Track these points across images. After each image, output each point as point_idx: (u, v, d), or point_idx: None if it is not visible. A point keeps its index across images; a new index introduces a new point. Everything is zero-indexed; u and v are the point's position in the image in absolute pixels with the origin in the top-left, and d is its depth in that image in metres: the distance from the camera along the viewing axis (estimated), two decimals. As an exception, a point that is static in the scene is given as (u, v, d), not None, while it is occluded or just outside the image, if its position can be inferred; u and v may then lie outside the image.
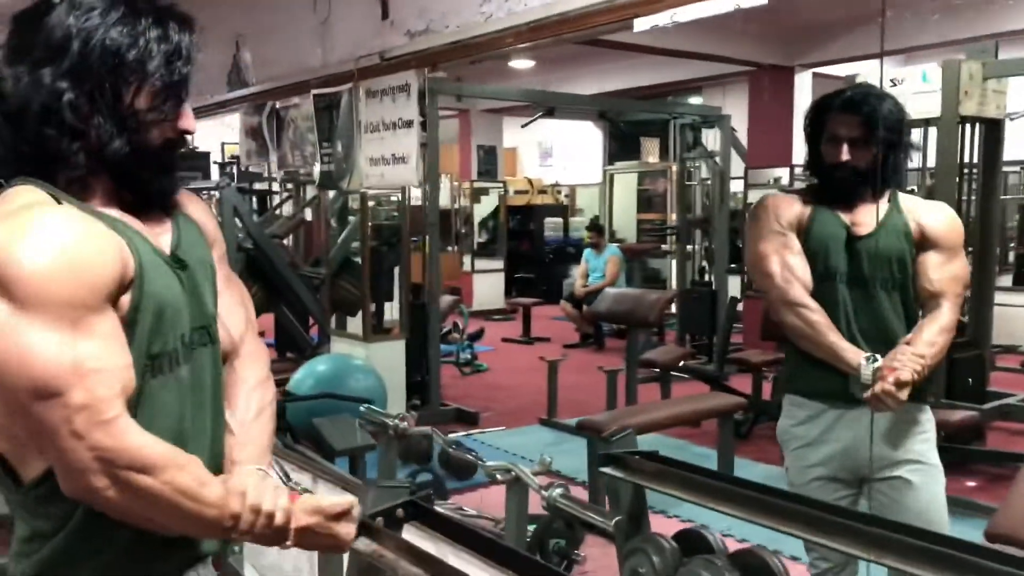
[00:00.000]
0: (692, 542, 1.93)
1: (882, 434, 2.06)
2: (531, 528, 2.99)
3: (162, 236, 1.24)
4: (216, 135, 7.72)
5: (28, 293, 1.02)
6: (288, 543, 1.23)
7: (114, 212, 1.17)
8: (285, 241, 5.93)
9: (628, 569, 1.92)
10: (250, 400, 1.36)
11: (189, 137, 1.26)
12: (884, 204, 2.12)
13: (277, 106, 2.60)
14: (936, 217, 2.15)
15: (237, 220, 4.75)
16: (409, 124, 2.01)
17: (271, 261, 5.07)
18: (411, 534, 1.66)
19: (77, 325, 1.05)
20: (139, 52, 1.13)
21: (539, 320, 8.93)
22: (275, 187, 6.96)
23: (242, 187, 6.10)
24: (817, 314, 2.01)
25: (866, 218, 2.11)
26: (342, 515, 1.28)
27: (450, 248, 11.38)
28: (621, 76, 8.47)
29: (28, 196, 1.11)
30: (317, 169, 2.36)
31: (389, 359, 4.74)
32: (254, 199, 6.60)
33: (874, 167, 2.07)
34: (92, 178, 1.16)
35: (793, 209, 2.10)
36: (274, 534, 1.20)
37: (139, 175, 1.19)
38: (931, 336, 2.02)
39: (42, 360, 1.03)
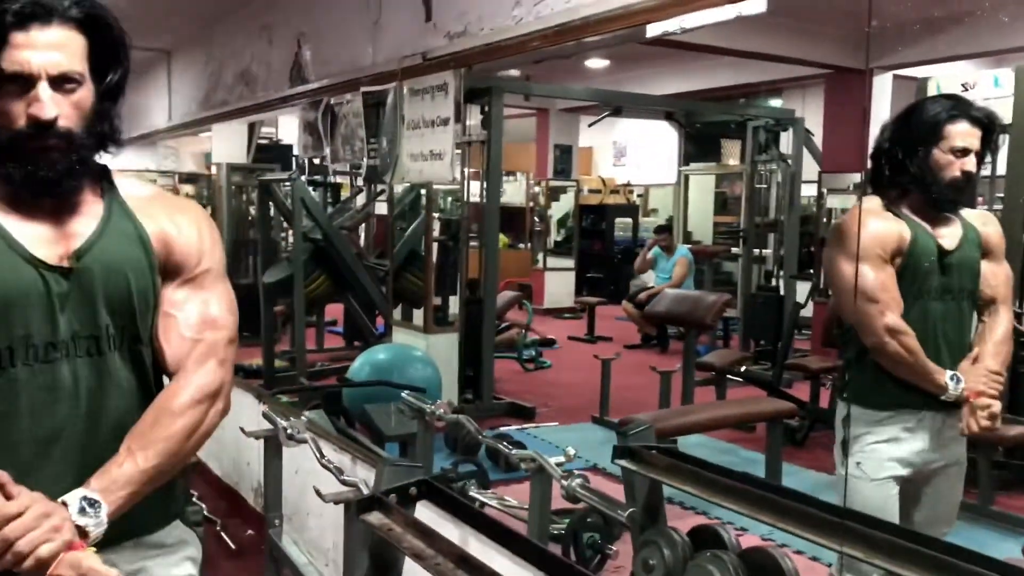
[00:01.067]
0: (706, 537, 1.96)
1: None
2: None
3: (73, 236, 1.20)
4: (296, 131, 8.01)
5: None
6: None
7: None
8: (356, 234, 6.10)
9: (640, 560, 1.97)
10: (136, 449, 1.20)
11: (64, 127, 1.14)
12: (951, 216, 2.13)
13: (332, 102, 2.72)
14: (991, 226, 2.20)
15: (305, 211, 4.93)
16: (446, 122, 2.09)
17: (338, 252, 5.23)
18: (436, 519, 1.74)
19: None
20: None
21: (605, 320, 8.93)
22: (353, 180, 7.15)
23: (314, 179, 6.31)
24: (914, 340, 2.02)
25: (949, 230, 2.12)
26: None
27: (522, 245, 11.49)
28: (698, 77, 8.41)
29: None
30: (365, 163, 2.47)
31: (446, 351, 4.84)
32: (327, 191, 6.79)
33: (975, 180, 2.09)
34: None
35: (891, 229, 2.06)
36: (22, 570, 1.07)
37: (2, 168, 1.15)
38: (999, 347, 2.08)
39: None
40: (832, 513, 1.59)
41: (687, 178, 10.42)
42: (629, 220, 11.96)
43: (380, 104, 2.40)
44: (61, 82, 1.14)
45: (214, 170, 8.22)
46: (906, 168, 2.01)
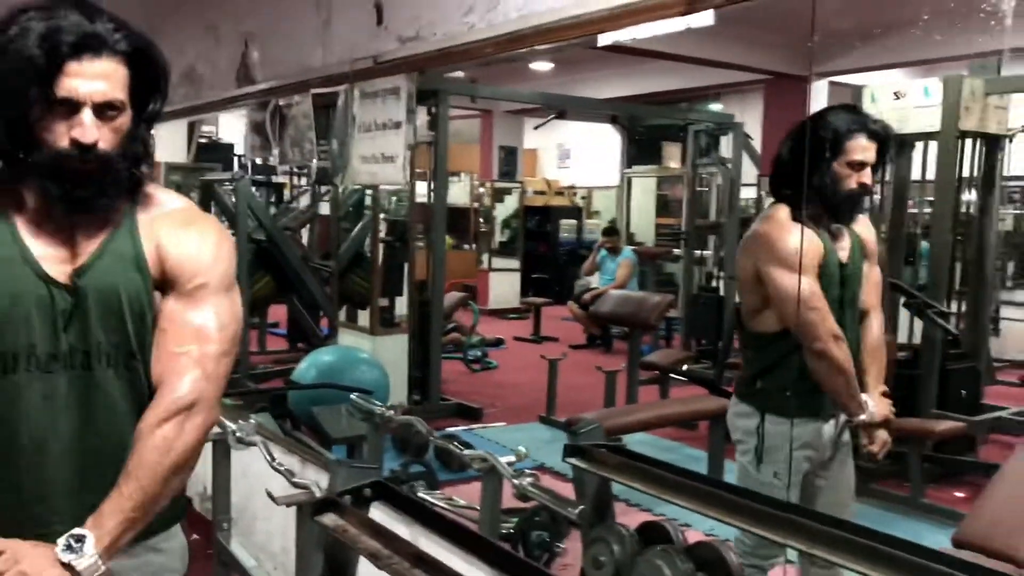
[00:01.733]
0: (653, 534, 2.01)
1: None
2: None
3: (80, 255, 1.27)
4: (241, 128, 7.89)
5: None
6: None
7: (15, 212, 1.26)
8: (300, 235, 6.05)
9: (589, 557, 2.01)
10: (123, 484, 1.24)
11: (103, 152, 1.21)
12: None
13: (280, 103, 2.70)
14: (868, 231, 2.27)
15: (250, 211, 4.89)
16: (398, 125, 2.10)
17: (282, 253, 5.20)
18: (389, 520, 1.75)
19: None
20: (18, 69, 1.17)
21: (551, 320, 9.00)
22: (295, 180, 7.10)
23: (257, 180, 6.25)
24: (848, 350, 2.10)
25: (843, 242, 2.20)
26: None
27: (467, 246, 11.51)
28: (641, 81, 8.54)
29: None
30: (314, 165, 2.46)
31: (393, 353, 4.84)
32: (271, 192, 6.73)
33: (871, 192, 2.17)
34: (21, 183, 1.27)
35: (814, 240, 2.11)
36: None
37: (41, 184, 1.24)
38: (879, 361, 2.22)
39: None
40: (776, 507, 1.65)
41: (630, 181, 10.57)
42: (574, 222, 12.07)
43: (330, 106, 2.40)
44: (104, 109, 1.21)
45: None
46: (804, 179, 2.03)
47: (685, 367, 5.73)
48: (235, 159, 7.49)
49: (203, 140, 8.07)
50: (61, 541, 1.18)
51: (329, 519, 1.67)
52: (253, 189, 5.46)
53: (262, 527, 2.89)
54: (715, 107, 9.74)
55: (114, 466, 1.26)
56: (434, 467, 3.83)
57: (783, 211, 2.14)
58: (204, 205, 5.70)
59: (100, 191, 1.24)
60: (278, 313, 7.11)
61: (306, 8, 2.58)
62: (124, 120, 1.24)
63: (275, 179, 6.84)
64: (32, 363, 1.25)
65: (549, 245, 11.68)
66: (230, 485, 2.68)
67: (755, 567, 2.28)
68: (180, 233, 1.33)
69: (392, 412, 2.67)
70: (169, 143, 7.60)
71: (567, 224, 12.01)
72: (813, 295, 2.07)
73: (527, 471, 2.16)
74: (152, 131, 1.32)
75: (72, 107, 1.19)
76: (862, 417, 2.13)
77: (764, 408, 2.18)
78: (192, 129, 7.64)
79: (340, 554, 1.67)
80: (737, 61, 6.92)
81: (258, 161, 3.56)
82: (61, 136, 1.20)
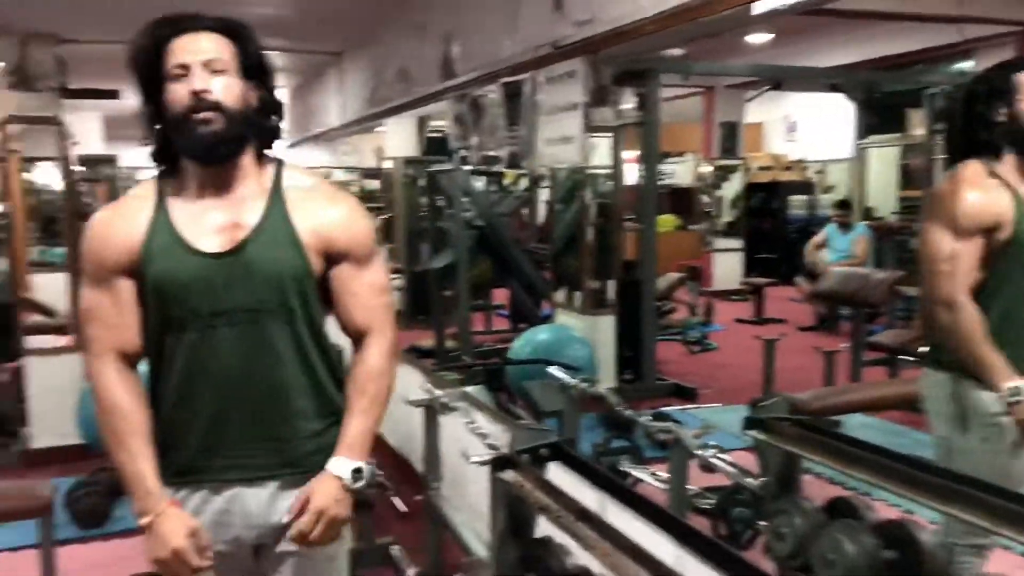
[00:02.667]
0: (842, 509, 1.96)
1: None
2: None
3: (239, 227, 1.49)
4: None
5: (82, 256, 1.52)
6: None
7: (177, 202, 1.50)
8: (517, 219, 6.29)
9: (771, 529, 2.00)
10: (358, 396, 1.57)
11: (215, 99, 1.43)
12: None
13: (476, 94, 2.87)
14: None
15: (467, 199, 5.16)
16: (575, 107, 2.18)
17: (499, 238, 5.44)
18: (568, 482, 1.85)
19: (98, 283, 1.50)
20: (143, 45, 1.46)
21: (777, 301, 8.70)
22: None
23: (478, 169, 6.55)
24: (973, 322, 1.99)
25: None
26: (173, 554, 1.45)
27: (692, 227, 11.33)
28: (868, 45, 8.00)
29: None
30: (506, 151, 2.60)
31: (603, 333, 4.94)
32: (492, 180, 7.01)
33: None
34: (178, 175, 1.52)
35: (988, 199, 2.00)
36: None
37: (179, 145, 1.47)
38: None
39: (82, 302, 1.53)
40: (984, 490, 1.55)
41: (865, 152, 9.91)
42: (804, 197, 11.50)
43: (518, 94, 2.53)
44: (210, 68, 1.44)
45: (388, 164, 8.68)
46: (992, 126, 1.96)
47: (920, 348, 5.34)
48: (457, 155, 7.87)
49: (433, 135, 8.54)
50: (346, 475, 1.52)
51: (508, 475, 1.80)
52: (474, 178, 5.73)
53: (473, 489, 3.10)
54: (965, 65, 8.89)
55: (278, 401, 1.52)
56: (640, 444, 3.89)
57: (972, 168, 2.01)
58: (431, 194, 6.09)
59: (221, 138, 1.44)
60: (503, 296, 7.45)
61: (497, 3, 2.72)
62: (232, 81, 1.46)
63: (495, 168, 7.13)
64: (199, 323, 1.47)
65: (775, 223, 11.22)
66: (439, 449, 2.90)
67: (971, 547, 2.15)
68: (340, 211, 1.55)
69: (585, 385, 2.77)
70: (401, 139, 8.18)
71: (797, 200, 11.47)
72: (941, 254, 1.96)
73: (711, 444, 2.18)
74: (267, 98, 1.53)
75: (185, 70, 1.43)
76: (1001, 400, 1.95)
77: (959, 372, 2.06)
78: (422, 125, 8.13)
79: (519, 509, 1.80)
80: (979, 14, 6.29)
81: (464, 151, 3.76)
82: (184, 97, 1.43)
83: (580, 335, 4.95)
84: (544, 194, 6.74)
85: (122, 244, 1.48)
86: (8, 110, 4.47)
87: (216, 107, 1.43)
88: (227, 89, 1.45)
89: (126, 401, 1.50)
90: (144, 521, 1.46)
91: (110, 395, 1.49)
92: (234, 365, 1.49)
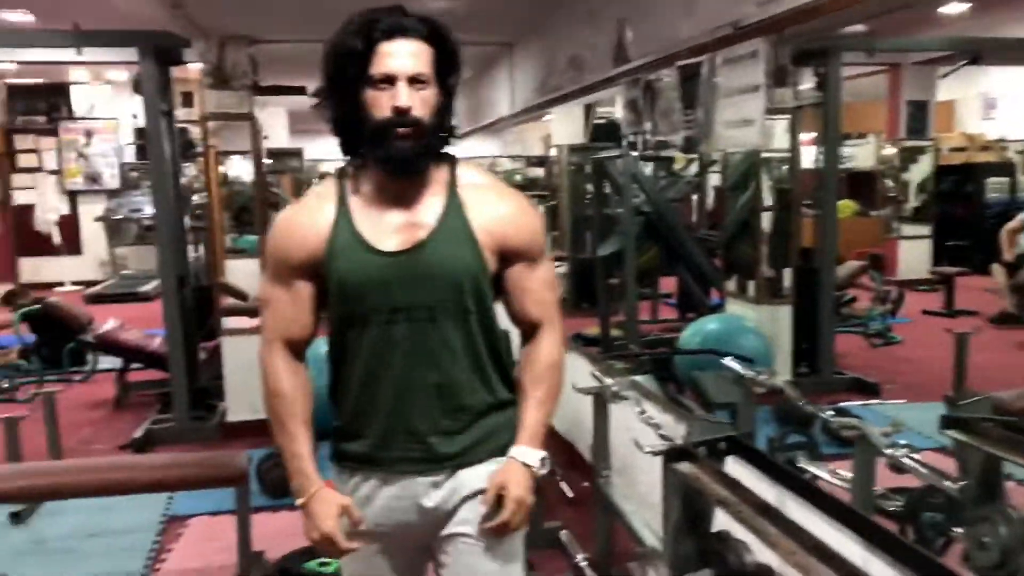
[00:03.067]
0: (1055, 520, 1.80)
1: None
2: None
3: (417, 227, 1.54)
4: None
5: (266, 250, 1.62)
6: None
7: (358, 201, 1.55)
8: (687, 205, 6.15)
9: (973, 537, 1.87)
10: (535, 386, 1.62)
11: (416, 116, 1.47)
12: None
13: (650, 78, 2.82)
14: None
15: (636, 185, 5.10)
16: (756, 89, 2.09)
17: (668, 224, 5.35)
18: (745, 476, 1.79)
19: (278, 277, 1.58)
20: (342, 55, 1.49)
21: (970, 292, 8.07)
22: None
23: (646, 155, 6.45)
24: None
25: None
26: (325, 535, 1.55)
27: (874, 213, 10.68)
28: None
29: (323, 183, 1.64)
30: (681, 135, 2.54)
31: (777, 323, 4.76)
32: (661, 166, 6.89)
33: None
34: (362, 173, 1.58)
35: None
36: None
37: (371, 153, 1.52)
38: None
39: (261, 291, 1.63)
40: None
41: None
42: (1005, 180, 10.57)
43: (695, 77, 2.46)
44: (414, 82, 1.47)
45: (553, 152, 8.71)
46: None
47: None
48: (623, 137, 7.80)
49: (599, 121, 8.49)
50: (535, 463, 1.59)
51: (684, 467, 1.77)
52: (642, 164, 5.66)
53: (644, 479, 3.07)
54: None
55: (450, 396, 1.58)
56: (818, 439, 3.72)
57: None
58: (597, 181, 6.08)
59: (418, 151, 1.49)
60: (670, 284, 7.32)
61: (675, -17, 2.66)
62: (431, 93, 1.49)
63: (664, 153, 7.01)
64: (380, 318, 1.54)
65: (969, 208, 10.38)
66: (608, 437, 2.89)
67: None
68: (512, 211, 1.59)
69: (763, 377, 2.68)
70: (568, 126, 8.17)
71: (995, 183, 10.57)
72: None
73: (901, 443, 2.05)
74: (453, 105, 1.56)
75: (389, 82, 1.46)
76: None
77: None
78: (588, 112, 8.09)
79: (696, 501, 1.76)
80: None
81: (635, 137, 3.70)
82: (383, 107, 1.47)
83: (753, 325, 4.79)
84: (714, 179, 6.59)
85: (306, 244, 1.55)
86: (209, 108, 4.82)
87: (415, 123, 1.48)
88: (426, 104, 1.49)
89: (289, 387, 1.59)
90: (300, 502, 1.57)
91: (275, 380, 1.59)
92: (410, 361, 1.55)
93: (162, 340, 5.11)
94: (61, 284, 11.03)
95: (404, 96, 1.46)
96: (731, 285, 5.50)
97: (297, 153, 9.97)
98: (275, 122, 10.14)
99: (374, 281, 1.53)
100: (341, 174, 1.60)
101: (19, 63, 9.06)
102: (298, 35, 4.90)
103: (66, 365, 5.89)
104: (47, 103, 11.60)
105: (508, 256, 1.59)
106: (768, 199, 5.11)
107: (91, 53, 7.17)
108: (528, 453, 1.58)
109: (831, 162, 4.99)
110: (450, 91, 1.55)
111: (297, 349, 1.62)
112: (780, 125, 4.75)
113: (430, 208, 1.55)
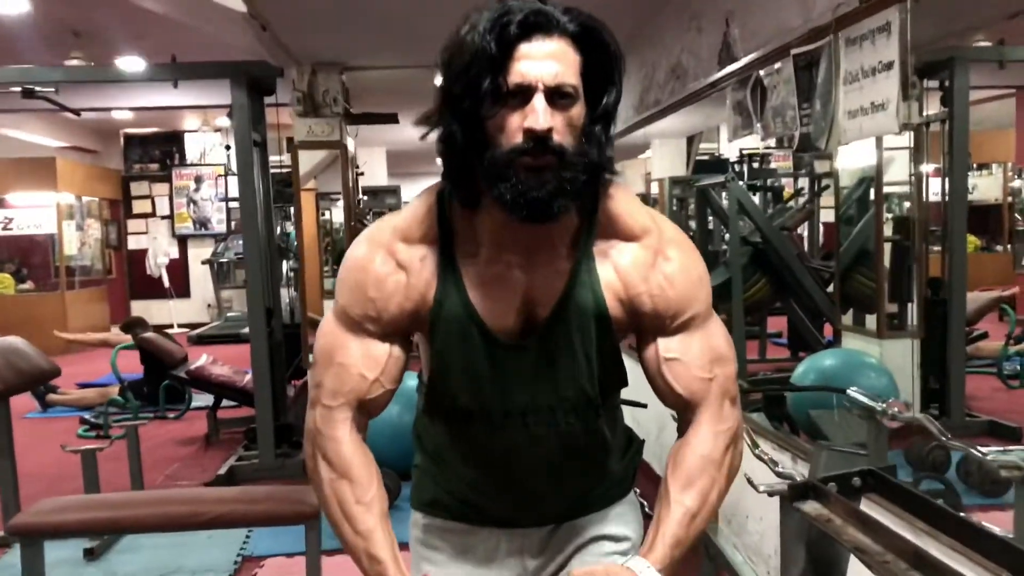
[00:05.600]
0: None
1: None
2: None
3: (536, 304, 1.19)
4: (740, 141, 7.90)
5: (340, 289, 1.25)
6: None
7: (468, 253, 1.19)
8: (797, 234, 5.80)
9: None
10: (682, 490, 1.22)
11: (557, 143, 1.08)
12: None
13: (760, 74, 2.56)
14: None
15: (743, 214, 4.80)
16: (889, 66, 1.80)
17: (779, 254, 5.00)
18: (887, 518, 1.49)
19: (355, 328, 1.22)
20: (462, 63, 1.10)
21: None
22: (788, 182, 6.86)
23: (753, 183, 6.13)
24: None
25: None
26: None
27: (1000, 248, 9.98)
28: None
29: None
30: (796, 134, 2.26)
31: (901, 359, 4.33)
32: (767, 194, 6.57)
33: None
34: (474, 215, 1.20)
35: None
36: None
37: (493, 190, 1.11)
38: None
39: (324, 337, 1.25)
40: None
41: None
42: None
43: (812, 65, 2.18)
44: (556, 96, 1.08)
45: (654, 187, 8.45)
46: None
47: None
48: (730, 167, 7.50)
49: (702, 157, 8.24)
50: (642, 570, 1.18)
51: (810, 507, 1.46)
52: (749, 192, 5.36)
53: (754, 527, 2.74)
54: None
55: (564, 488, 1.31)
56: (956, 487, 3.30)
57: None
58: (700, 210, 5.77)
59: (556, 192, 1.09)
60: (779, 323, 6.90)
61: (786, -32, 2.41)
62: (578, 112, 1.10)
63: (771, 181, 6.67)
64: (487, 420, 1.24)
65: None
66: (715, 476, 2.56)
67: None
68: (657, 267, 1.21)
69: (896, 410, 2.32)
70: (669, 160, 7.92)
71: None
72: None
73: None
74: (609, 133, 1.16)
75: (524, 96, 1.07)
76: None
77: None
78: (690, 145, 7.85)
79: (824, 547, 1.45)
80: None
81: (744, 141, 3.41)
82: (515, 132, 1.08)
83: (875, 361, 4.37)
84: (826, 204, 6.19)
85: (404, 306, 1.20)
86: (299, 136, 4.79)
87: (556, 152, 1.08)
88: (570, 126, 1.09)
89: (362, 469, 1.22)
90: None
91: (341, 459, 1.21)
92: (523, 465, 1.27)
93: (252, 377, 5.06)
94: (171, 326, 11.35)
95: (542, 114, 1.06)
96: (847, 318, 5.11)
97: (394, 191, 10.01)
98: (373, 160, 10.22)
99: (484, 378, 1.21)
100: (443, 200, 1.21)
101: (132, 109, 9.43)
102: (391, 61, 4.86)
103: (162, 402, 5.93)
104: (161, 151, 12.10)
105: (652, 325, 1.23)
106: (890, 226, 4.73)
107: (191, 93, 7.40)
108: (642, 567, 1.17)
109: (960, 182, 4.59)
110: (606, 113, 1.14)
111: (366, 415, 1.25)
112: (898, 154, 4.41)
113: (557, 272, 1.19)
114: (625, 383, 1.31)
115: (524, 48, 1.07)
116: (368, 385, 1.22)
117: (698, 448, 1.23)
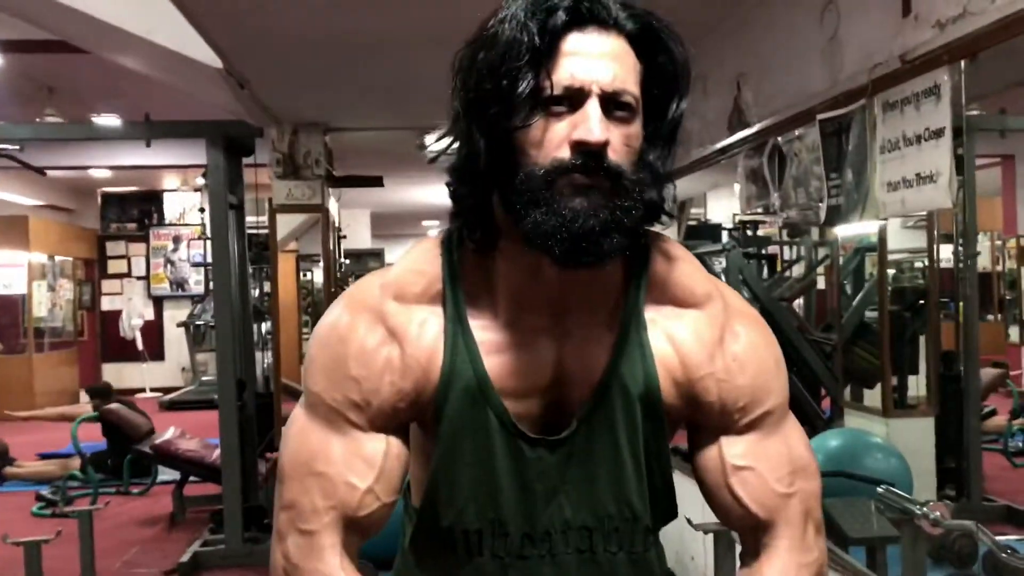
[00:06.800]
0: None
1: None
2: None
3: (571, 384, 0.92)
4: (728, 208, 7.81)
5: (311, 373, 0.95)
6: None
7: (482, 317, 0.92)
8: (795, 305, 5.65)
9: None
10: None
11: (614, 163, 0.84)
12: None
13: (779, 140, 2.37)
14: None
15: (743, 283, 4.63)
16: (939, 134, 1.62)
17: (778, 325, 4.82)
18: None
19: (337, 421, 0.91)
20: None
21: (1119, 405, 7.15)
22: (786, 251, 6.74)
23: (748, 252, 5.97)
24: None
25: None
26: None
27: (990, 317, 9.91)
28: None
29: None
30: (823, 207, 2.05)
31: (914, 439, 4.12)
32: (763, 262, 6.45)
33: None
34: (491, 259, 0.94)
35: None
36: None
37: (524, 225, 0.85)
38: None
39: (296, 443, 0.94)
40: None
41: None
42: None
43: (842, 131, 1.99)
44: (612, 105, 0.85)
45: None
46: None
47: None
48: (723, 234, 7.39)
49: (691, 223, 8.15)
50: None
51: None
52: (745, 260, 5.22)
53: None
54: None
55: None
56: (985, 584, 3.04)
57: None
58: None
59: (612, 221, 0.84)
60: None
61: (807, 28, 2.24)
62: (636, 130, 0.87)
63: (766, 251, 6.54)
64: (501, 545, 0.94)
65: (1106, 312, 9.46)
66: (734, 584, 2.31)
67: None
68: (718, 351, 0.94)
69: (937, 514, 2.07)
70: (659, 226, 7.80)
71: None
72: None
73: None
74: (669, 159, 0.91)
75: (572, 103, 0.84)
76: None
77: None
78: (680, 211, 7.74)
79: None
80: None
81: (759, 212, 3.24)
82: (558, 145, 0.84)
83: (882, 441, 4.15)
84: (821, 274, 6.06)
85: (399, 385, 0.91)
86: (278, 199, 4.58)
87: (612, 174, 0.84)
88: (628, 146, 0.85)
89: None
90: None
91: None
92: None
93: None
94: (143, 390, 10.99)
95: (598, 124, 0.82)
96: (847, 394, 4.93)
97: (378, 254, 9.82)
98: (356, 222, 10.04)
99: (501, 484, 0.92)
100: (450, 247, 0.94)
101: (108, 168, 9.24)
102: (377, 122, 4.69)
103: (127, 477, 5.60)
104: (139, 210, 11.88)
105: (712, 413, 0.95)
106: (895, 296, 4.60)
107: (167, 152, 7.20)
108: None
109: (970, 255, 4.47)
110: (668, 135, 0.91)
111: (358, 540, 0.94)
112: (896, 222, 4.32)
113: (598, 341, 0.92)
114: (674, 502, 1.00)
115: (576, 40, 0.84)
116: (359, 497, 0.90)
117: None
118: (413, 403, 0.92)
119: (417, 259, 0.95)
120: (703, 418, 0.95)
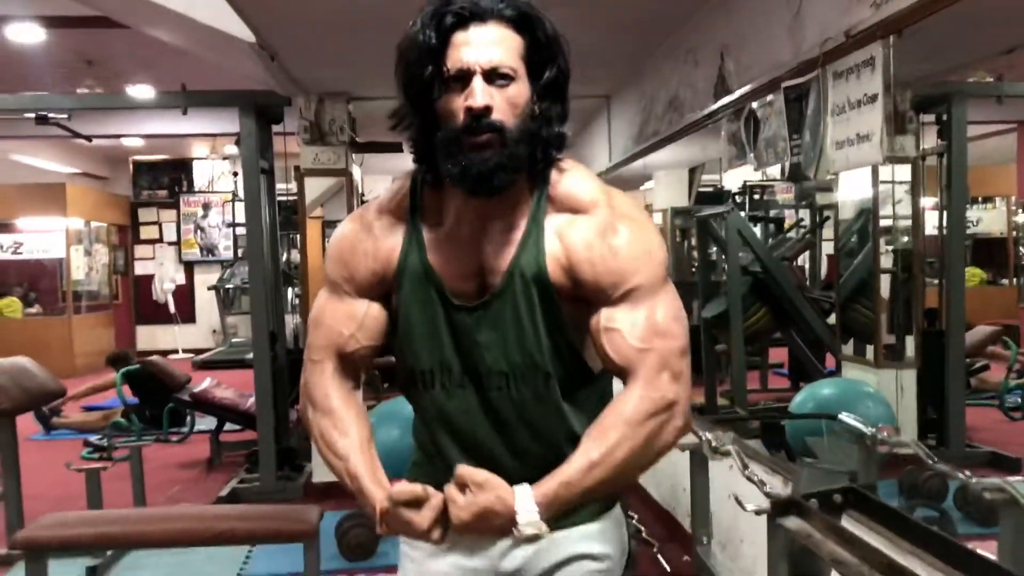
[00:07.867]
0: None
1: None
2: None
3: (488, 271, 1.26)
4: (741, 175, 7.96)
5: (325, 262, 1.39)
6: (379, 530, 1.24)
7: (432, 227, 1.29)
8: (797, 265, 5.85)
9: None
10: (592, 442, 1.20)
11: (496, 119, 1.17)
12: None
13: (753, 107, 2.62)
14: None
15: (744, 244, 4.84)
16: (873, 99, 1.86)
17: (778, 284, 5.04)
18: (868, 535, 1.52)
19: (337, 292, 1.35)
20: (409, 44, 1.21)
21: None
22: (790, 213, 6.92)
23: (754, 214, 6.19)
24: None
25: None
26: (411, 503, 1.18)
27: (1005, 282, 9.99)
28: None
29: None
30: (787, 162, 2.31)
31: (900, 389, 4.35)
32: (768, 225, 6.64)
33: None
34: (439, 191, 1.30)
35: None
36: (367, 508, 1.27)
37: (444, 168, 1.22)
38: None
39: (314, 310, 1.39)
40: None
41: None
42: None
43: (802, 97, 2.24)
44: (494, 77, 1.18)
45: (657, 217, 8.52)
46: None
47: None
48: (731, 199, 7.58)
49: (705, 188, 8.29)
50: (523, 505, 1.16)
51: (792, 522, 1.50)
52: (750, 223, 5.43)
53: (748, 551, 2.76)
54: None
55: (526, 463, 1.26)
56: (952, 514, 3.31)
57: None
58: (701, 241, 5.83)
59: (498, 167, 1.18)
60: (780, 354, 6.92)
61: (778, 6, 2.48)
62: (519, 91, 1.20)
63: (773, 213, 6.73)
64: (447, 379, 1.30)
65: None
66: (708, 497, 2.60)
67: None
68: (595, 244, 1.24)
69: (886, 435, 2.35)
70: (671, 191, 7.99)
71: None
72: None
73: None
74: (557, 109, 1.24)
75: (465, 80, 1.18)
76: None
77: None
78: (692, 176, 7.92)
79: (806, 563, 1.49)
80: None
81: (738, 168, 3.45)
82: (458, 112, 1.18)
83: (873, 390, 4.40)
84: (827, 234, 6.25)
85: (372, 267, 1.32)
86: (305, 164, 4.87)
87: (496, 128, 1.18)
88: (512, 104, 1.19)
89: (341, 403, 1.33)
90: (380, 530, 1.25)
91: (323, 397, 1.33)
92: (480, 433, 1.30)
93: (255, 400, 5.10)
94: (175, 351, 11.40)
95: (479, 93, 1.16)
96: (848, 349, 5.13)
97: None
98: (378, 188, 10.24)
99: (442, 337, 1.29)
100: (416, 181, 1.32)
101: (143, 136, 9.55)
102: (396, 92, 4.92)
103: (166, 425, 5.95)
104: (170, 178, 12.23)
105: (592, 290, 1.24)
106: (886, 259, 4.77)
107: (200, 120, 7.50)
108: (527, 503, 1.16)
109: (957, 215, 4.63)
110: (553, 90, 1.24)
111: (351, 369, 1.35)
112: (898, 186, 4.46)
113: (508, 242, 1.26)
114: (583, 362, 1.30)
115: (461, 36, 1.19)
116: (346, 340, 1.34)
117: (618, 407, 1.22)
118: (382, 280, 1.32)
119: (395, 188, 1.36)
120: (586, 294, 1.25)
